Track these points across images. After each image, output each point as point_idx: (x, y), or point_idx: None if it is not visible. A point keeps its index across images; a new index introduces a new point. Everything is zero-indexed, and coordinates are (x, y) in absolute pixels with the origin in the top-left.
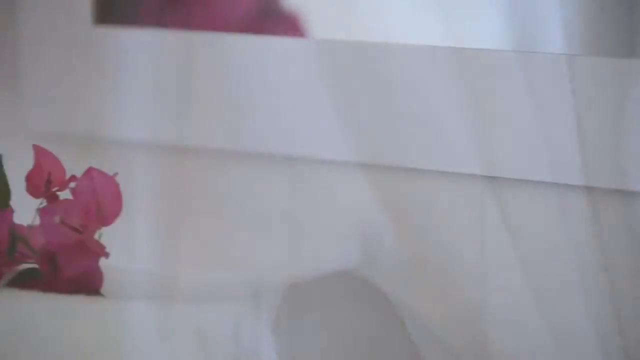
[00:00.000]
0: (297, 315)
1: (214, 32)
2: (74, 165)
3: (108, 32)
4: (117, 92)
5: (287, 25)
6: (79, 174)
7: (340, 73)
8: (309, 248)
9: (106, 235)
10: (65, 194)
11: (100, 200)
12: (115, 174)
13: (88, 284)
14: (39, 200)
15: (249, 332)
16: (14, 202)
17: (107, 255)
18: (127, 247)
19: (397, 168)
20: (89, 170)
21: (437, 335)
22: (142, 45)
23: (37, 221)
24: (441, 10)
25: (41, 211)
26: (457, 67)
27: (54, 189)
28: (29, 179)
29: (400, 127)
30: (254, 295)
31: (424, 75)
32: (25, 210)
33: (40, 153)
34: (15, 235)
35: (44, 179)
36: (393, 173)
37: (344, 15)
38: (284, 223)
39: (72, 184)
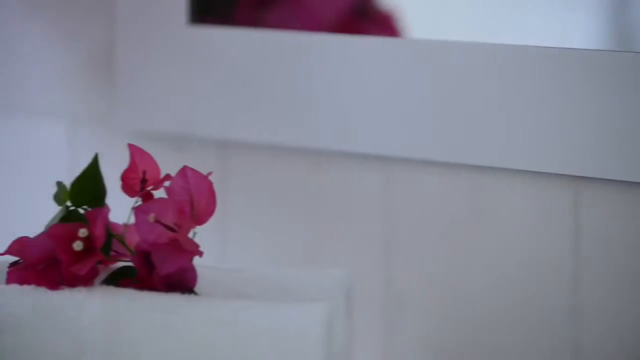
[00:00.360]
0: (390, 315)
1: (308, 32)
2: (168, 164)
3: (203, 32)
4: (212, 92)
5: (382, 25)
6: (173, 173)
7: (434, 73)
8: (402, 248)
9: (200, 234)
10: (160, 193)
11: (195, 199)
12: (210, 173)
13: (182, 282)
14: (134, 199)
15: (341, 332)
16: (109, 200)
17: (201, 254)
18: (221, 245)
19: (488, 168)
20: (184, 170)
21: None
22: (236, 45)
23: (132, 220)
24: (539, 10)
25: (136, 210)
26: (552, 67)
27: (149, 188)
28: (124, 178)
29: (490, 127)
30: (347, 294)
31: (517, 76)
32: (121, 209)
33: (135, 152)
34: (111, 233)
35: (139, 178)
36: (483, 173)
37: (439, 14)
38: (378, 223)
39: (167, 183)
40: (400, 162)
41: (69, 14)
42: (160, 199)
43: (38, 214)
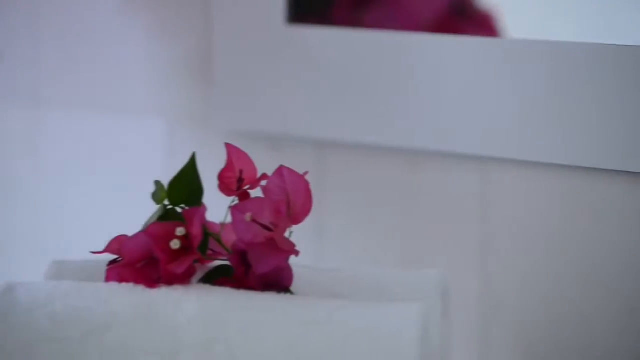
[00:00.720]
0: (486, 316)
1: (406, 32)
2: (265, 163)
3: (300, 31)
4: (309, 92)
5: (481, 24)
6: (270, 173)
7: (533, 73)
8: (498, 248)
9: (296, 233)
10: (256, 192)
11: (291, 199)
12: (306, 172)
13: (278, 281)
14: (231, 198)
15: (437, 332)
16: (206, 199)
17: (297, 253)
18: (317, 245)
19: (585, 169)
20: (280, 169)
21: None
22: (334, 45)
23: (229, 219)
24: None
25: (233, 209)
26: None
27: (246, 187)
28: (221, 177)
29: (588, 128)
30: (443, 294)
31: (618, 76)
32: (218, 208)
33: (232, 152)
34: (208, 232)
35: (236, 177)
36: (580, 174)
37: (538, 14)
38: (474, 223)
39: (264, 183)
40: (497, 162)
41: (168, 14)
42: (257, 198)
43: (137, 213)
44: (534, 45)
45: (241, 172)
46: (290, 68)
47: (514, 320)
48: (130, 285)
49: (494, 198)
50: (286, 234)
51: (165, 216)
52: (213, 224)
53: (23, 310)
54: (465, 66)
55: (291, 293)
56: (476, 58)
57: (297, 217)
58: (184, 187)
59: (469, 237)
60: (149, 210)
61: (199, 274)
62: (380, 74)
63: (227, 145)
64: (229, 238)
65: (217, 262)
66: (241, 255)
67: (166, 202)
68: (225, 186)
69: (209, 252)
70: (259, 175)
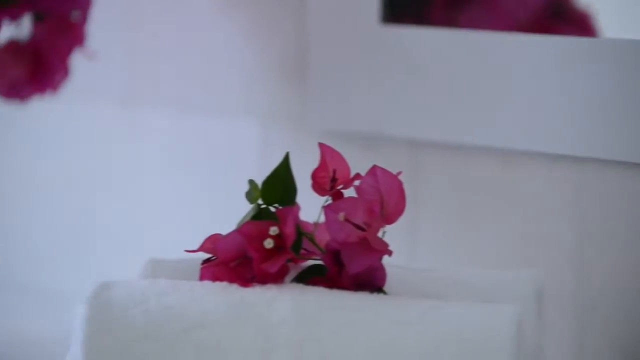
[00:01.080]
0: (581, 317)
1: (502, 32)
2: (358, 163)
3: (394, 31)
4: (403, 91)
5: (577, 24)
6: (363, 172)
7: (630, 73)
8: (594, 249)
9: (390, 233)
10: (349, 192)
11: (384, 199)
12: (399, 172)
13: (371, 281)
14: (324, 198)
15: (532, 334)
16: (300, 199)
17: (390, 253)
18: (410, 245)
19: None
20: (373, 169)
21: None
22: (429, 45)
23: (322, 218)
24: None
25: (326, 209)
26: None
27: (339, 187)
28: (314, 176)
29: None
30: (537, 296)
31: None
32: (311, 207)
33: (326, 151)
34: (301, 231)
35: (329, 177)
36: None
37: (634, 14)
38: (569, 223)
39: (357, 182)
40: (592, 162)
41: (262, 14)
42: (350, 197)
43: (231, 212)
44: (631, 45)
45: (334, 171)
46: (385, 68)
47: (610, 322)
48: (224, 284)
49: (589, 197)
50: (379, 234)
51: (259, 215)
52: (306, 223)
53: (119, 309)
54: (561, 66)
55: (384, 293)
56: (572, 58)
57: (390, 217)
58: (278, 187)
59: (564, 237)
60: (242, 209)
61: (292, 274)
62: (474, 74)
63: (321, 145)
64: (322, 237)
65: (310, 262)
66: (334, 255)
67: (260, 202)
68: (318, 186)
69: (302, 251)
70: (352, 175)
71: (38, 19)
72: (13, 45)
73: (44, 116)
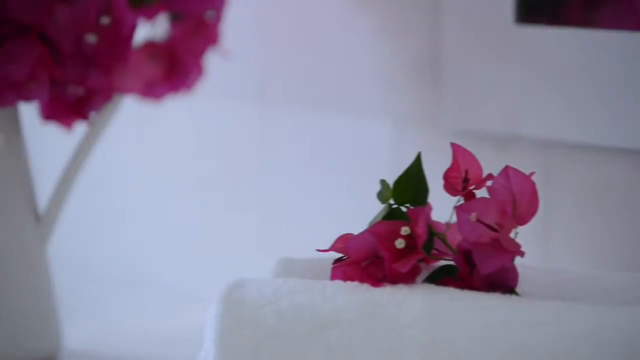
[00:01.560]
0: None
1: (638, 31)
2: (490, 163)
3: (530, 31)
4: (537, 92)
5: None
6: (495, 173)
7: None
8: None
9: (522, 234)
10: (481, 192)
11: (517, 199)
12: (532, 173)
13: (503, 282)
14: (455, 198)
15: None
16: (431, 199)
17: (522, 254)
18: (543, 246)
19: None
20: (506, 169)
21: None
22: (564, 45)
23: (454, 219)
24: None
25: (458, 209)
26: None
27: (471, 187)
28: (446, 177)
29: None
30: None
31: None
32: (443, 207)
33: (458, 151)
34: (433, 232)
35: (461, 177)
36: None
37: None
38: None
39: (489, 183)
40: None
41: (395, 13)
42: (482, 198)
43: (362, 212)
44: None
45: (467, 172)
46: (519, 68)
47: None
48: (355, 283)
49: None
50: (511, 235)
51: (390, 215)
52: (438, 223)
53: (250, 307)
54: None
55: (516, 294)
56: None
57: (522, 217)
58: (409, 187)
59: None
60: (374, 209)
61: (424, 274)
62: (610, 75)
63: (453, 145)
64: (454, 238)
65: (442, 262)
66: (466, 255)
67: (391, 202)
68: (450, 186)
69: (434, 251)
70: (484, 175)
71: (174, 19)
72: (150, 47)
73: (179, 115)
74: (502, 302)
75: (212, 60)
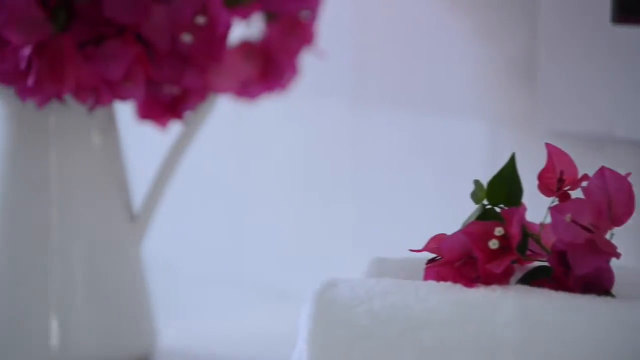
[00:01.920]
0: None
1: None
2: (585, 164)
3: (627, 31)
4: (635, 92)
5: None
6: (590, 174)
7: None
8: None
9: (618, 235)
10: (576, 193)
11: (612, 200)
12: (628, 174)
13: (598, 283)
14: (550, 199)
15: None
16: (525, 200)
17: (618, 255)
18: (639, 247)
19: None
20: (601, 170)
21: None
22: None
23: (549, 219)
24: None
25: (552, 209)
26: None
27: (566, 188)
28: (541, 177)
29: None
30: None
31: None
32: (537, 208)
33: (553, 152)
34: (527, 232)
35: (556, 178)
36: None
37: None
38: None
39: (584, 184)
40: None
41: (491, 14)
42: (577, 199)
43: (455, 212)
44: None
45: (562, 172)
46: (616, 68)
47: None
48: (448, 284)
49: None
50: (607, 236)
51: (484, 215)
52: (532, 224)
53: (343, 307)
54: None
55: (612, 295)
56: None
57: (618, 218)
58: (503, 187)
59: None
60: (468, 209)
61: (517, 275)
62: None
63: (548, 146)
64: (548, 238)
65: (536, 263)
66: (560, 256)
67: (485, 202)
68: (544, 186)
69: (528, 252)
70: (579, 176)
71: (269, 19)
72: (245, 46)
73: (274, 114)
74: (597, 304)
75: (307, 60)
